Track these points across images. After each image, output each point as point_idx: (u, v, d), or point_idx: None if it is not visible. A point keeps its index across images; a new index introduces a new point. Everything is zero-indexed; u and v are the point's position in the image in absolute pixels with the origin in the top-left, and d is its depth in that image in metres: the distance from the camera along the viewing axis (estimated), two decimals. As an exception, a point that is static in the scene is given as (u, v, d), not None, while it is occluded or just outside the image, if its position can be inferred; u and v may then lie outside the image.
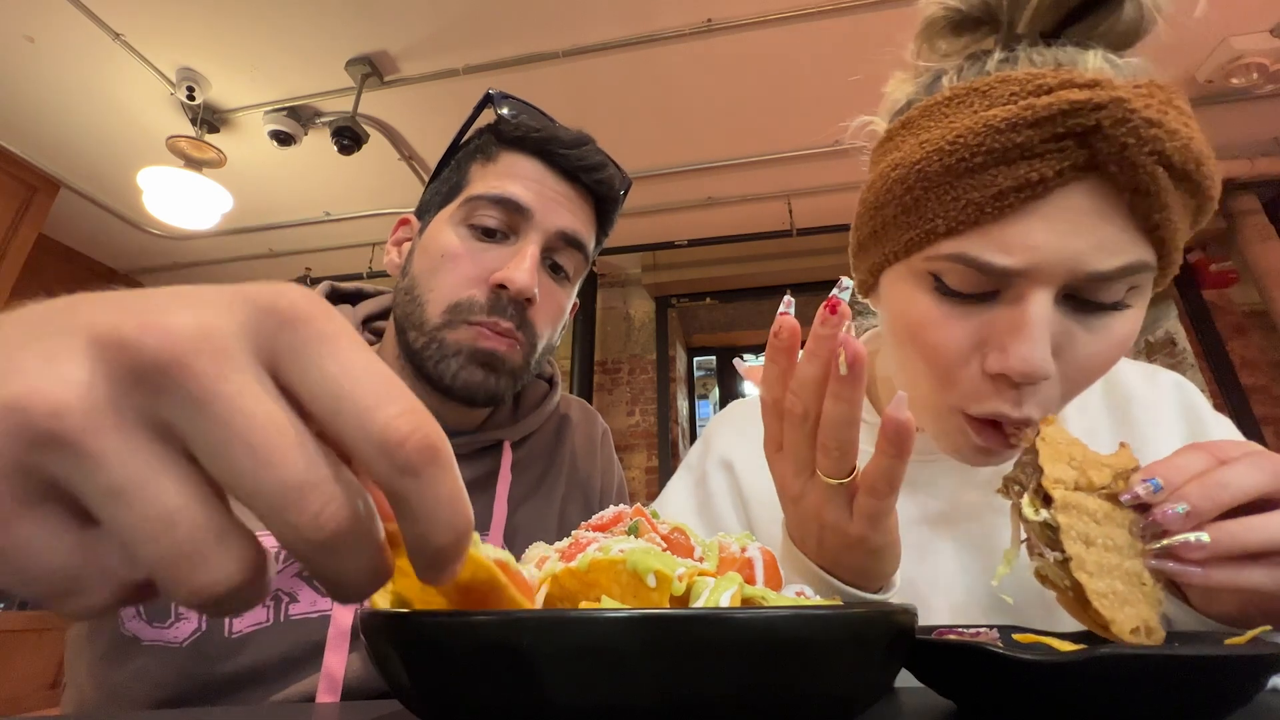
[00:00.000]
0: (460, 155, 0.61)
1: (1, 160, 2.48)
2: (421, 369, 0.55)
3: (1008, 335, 0.37)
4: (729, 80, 2.19)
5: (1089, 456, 0.35)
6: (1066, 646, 0.29)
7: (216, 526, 0.15)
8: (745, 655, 0.20)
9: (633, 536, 0.29)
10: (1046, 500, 0.34)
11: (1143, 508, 0.33)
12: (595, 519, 0.33)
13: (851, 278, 0.38)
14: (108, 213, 2.91)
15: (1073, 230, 0.35)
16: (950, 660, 0.29)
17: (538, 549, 0.31)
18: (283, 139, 2.32)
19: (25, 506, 0.14)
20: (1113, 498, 0.34)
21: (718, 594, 0.25)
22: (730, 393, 3.60)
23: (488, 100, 0.59)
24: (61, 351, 0.14)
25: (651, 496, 3.02)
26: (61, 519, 0.14)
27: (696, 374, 3.77)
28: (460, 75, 2.13)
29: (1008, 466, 0.52)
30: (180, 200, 2.31)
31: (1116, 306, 0.38)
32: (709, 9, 1.93)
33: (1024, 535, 0.36)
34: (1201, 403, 0.55)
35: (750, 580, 0.29)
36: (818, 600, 0.29)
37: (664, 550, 0.28)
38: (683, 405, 3.39)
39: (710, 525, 0.57)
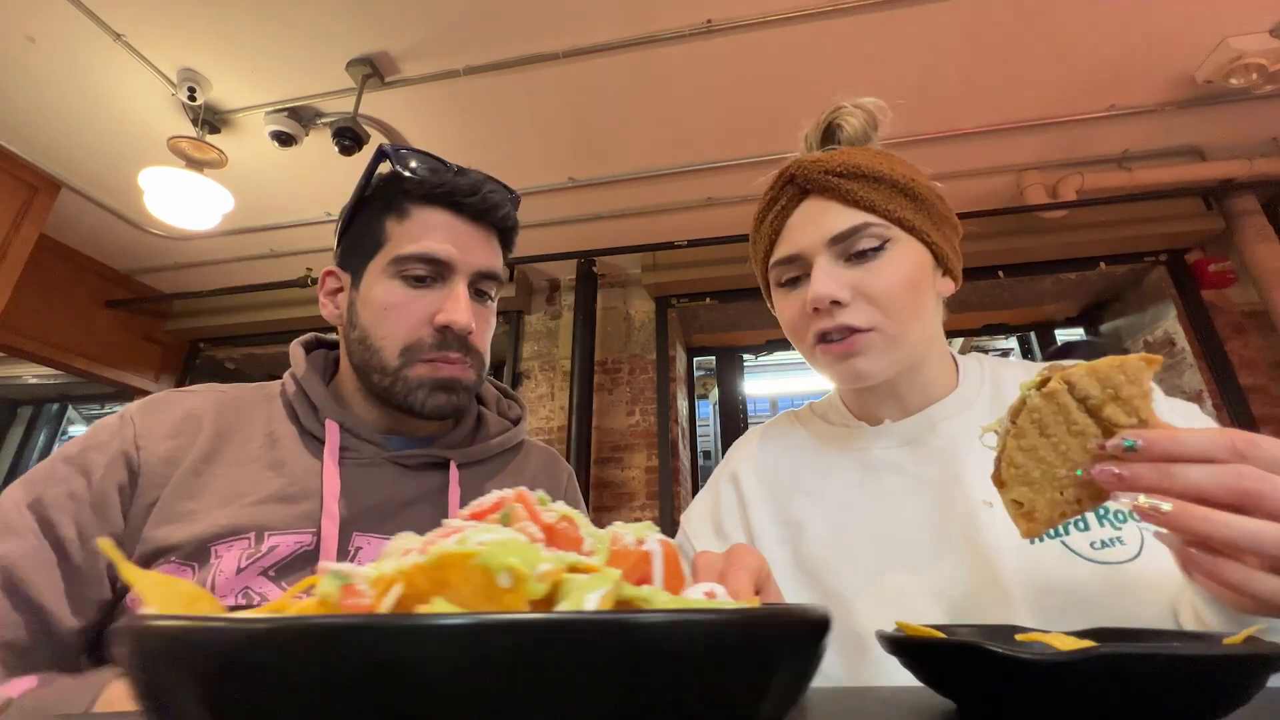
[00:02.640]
0: (372, 209, 0.66)
1: (2, 160, 2.48)
2: (391, 401, 0.64)
3: (811, 286, 0.59)
4: (729, 80, 2.20)
5: (1137, 404, 0.35)
6: (1069, 645, 0.29)
7: None
8: (595, 670, 0.16)
9: (503, 525, 0.26)
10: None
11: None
12: (474, 505, 0.29)
13: None
14: (109, 213, 2.91)
15: (812, 222, 0.60)
16: (950, 660, 0.30)
17: (402, 540, 0.27)
18: (284, 139, 2.32)
19: None
20: (1107, 430, 0.35)
21: (582, 595, 0.20)
22: (730, 392, 3.61)
23: (381, 156, 0.65)
24: None
25: (651, 496, 3.02)
26: None
27: (696, 374, 3.77)
28: (461, 76, 2.13)
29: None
30: (181, 200, 2.31)
31: (879, 250, 0.58)
32: (709, 9, 1.93)
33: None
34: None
35: (645, 577, 0.26)
36: (718, 603, 0.26)
37: (540, 541, 0.25)
38: (683, 405, 3.39)
39: (717, 529, 0.67)
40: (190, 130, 2.28)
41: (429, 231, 0.63)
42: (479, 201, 0.65)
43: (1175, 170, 2.60)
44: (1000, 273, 2.99)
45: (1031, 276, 3.03)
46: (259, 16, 1.92)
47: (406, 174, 0.64)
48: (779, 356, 3.97)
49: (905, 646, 0.32)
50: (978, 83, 2.23)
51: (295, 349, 0.71)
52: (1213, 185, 2.64)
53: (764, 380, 4.86)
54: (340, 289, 0.69)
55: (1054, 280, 3.10)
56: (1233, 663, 0.26)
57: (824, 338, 0.60)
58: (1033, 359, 3.43)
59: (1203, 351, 2.68)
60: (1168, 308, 2.86)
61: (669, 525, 2.86)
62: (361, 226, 0.66)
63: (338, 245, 0.70)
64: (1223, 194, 2.69)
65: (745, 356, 3.71)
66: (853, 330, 0.58)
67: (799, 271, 0.62)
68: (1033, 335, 3.49)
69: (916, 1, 1.90)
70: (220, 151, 2.31)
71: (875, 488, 0.62)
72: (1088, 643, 0.28)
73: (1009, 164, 2.66)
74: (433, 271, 0.63)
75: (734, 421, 3.49)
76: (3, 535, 0.52)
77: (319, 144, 2.39)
